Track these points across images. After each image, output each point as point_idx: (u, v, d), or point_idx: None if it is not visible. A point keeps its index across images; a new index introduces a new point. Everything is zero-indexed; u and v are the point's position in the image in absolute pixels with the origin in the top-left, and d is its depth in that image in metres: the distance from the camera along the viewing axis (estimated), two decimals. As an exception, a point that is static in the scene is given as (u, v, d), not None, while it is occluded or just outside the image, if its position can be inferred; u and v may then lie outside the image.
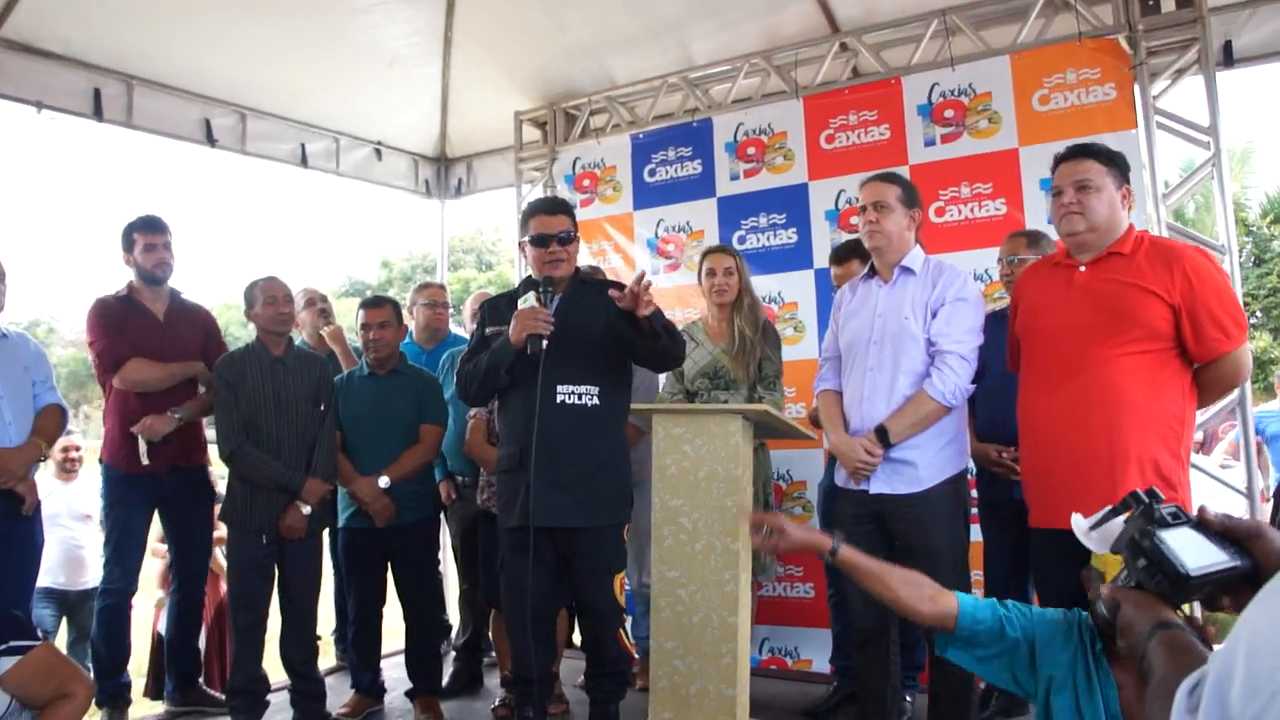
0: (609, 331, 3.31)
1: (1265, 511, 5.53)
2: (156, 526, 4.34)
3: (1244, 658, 0.68)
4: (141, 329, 4.10)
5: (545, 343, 3.23)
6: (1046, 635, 2.03)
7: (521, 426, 3.31)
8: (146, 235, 4.15)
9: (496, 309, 3.53)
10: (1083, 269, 2.95)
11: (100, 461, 4.17)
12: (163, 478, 4.10)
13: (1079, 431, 2.87)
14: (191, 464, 4.25)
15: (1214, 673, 0.71)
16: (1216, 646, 0.85)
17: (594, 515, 3.31)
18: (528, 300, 3.33)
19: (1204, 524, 1.10)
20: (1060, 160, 3.01)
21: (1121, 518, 1.19)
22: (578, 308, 3.39)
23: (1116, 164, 2.95)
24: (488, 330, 3.49)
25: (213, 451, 4.38)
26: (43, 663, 2.90)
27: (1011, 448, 3.40)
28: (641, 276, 3.12)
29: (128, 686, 4.09)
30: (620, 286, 3.50)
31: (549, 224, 3.41)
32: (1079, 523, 1.23)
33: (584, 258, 5.13)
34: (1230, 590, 1.06)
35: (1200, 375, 2.89)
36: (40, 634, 3.01)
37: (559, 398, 3.28)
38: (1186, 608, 1.11)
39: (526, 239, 3.46)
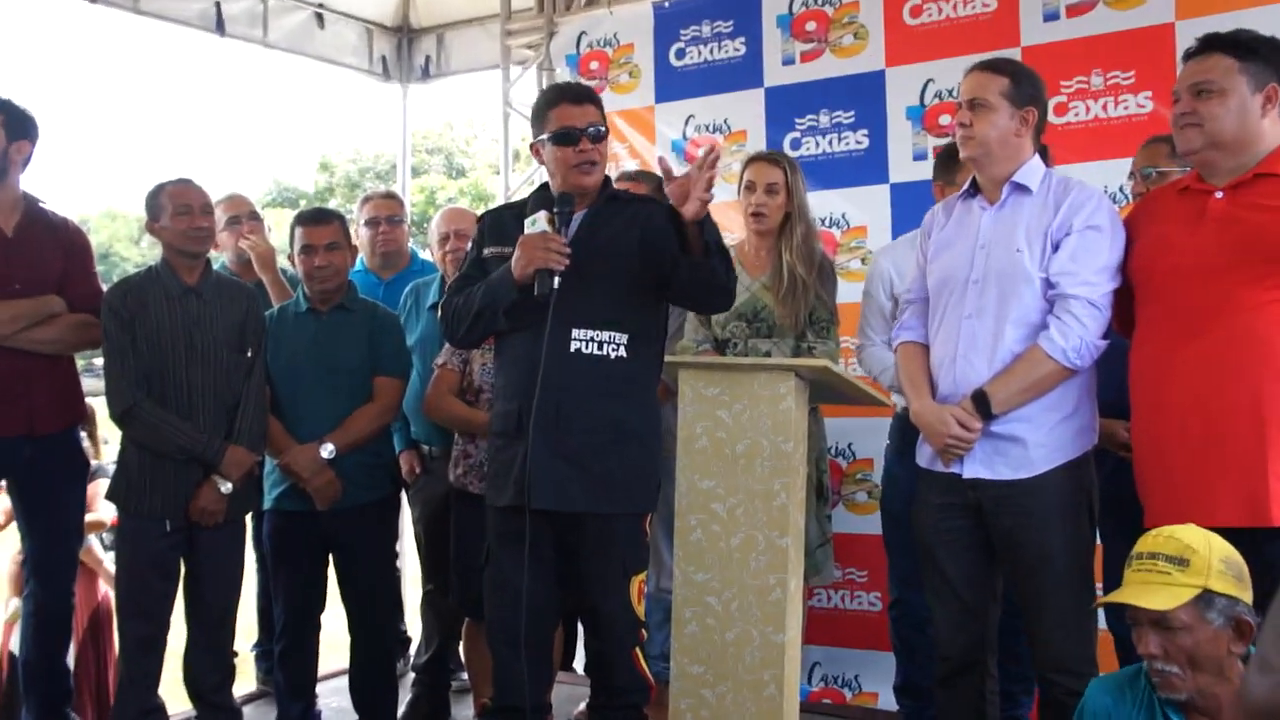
0: (644, 259, 3.27)
1: None
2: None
3: None
4: None
5: (558, 280, 3.19)
6: None
7: (522, 379, 3.29)
8: None
9: (500, 225, 3.52)
10: (1219, 195, 2.95)
11: None
12: (19, 443, 3.94)
13: (1214, 399, 2.88)
14: (58, 426, 4.09)
15: None
16: None
17: (609, 499, 3.30)
18: (536, 223, 3.29)
19: None
20: (1187, 56, 3.02)
21: None
22: (606, 228, 3.37)
23: (1261, 56, 2.90)
24: (486, 251, 3.48)
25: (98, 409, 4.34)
26: None
27: None
28: (711, 150, 3.10)
29: None
30: (655, 203, 3.45)
31: (575, 115, 3.35)
32: None
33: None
34: None
35: None
36: None
37: (573, 345, 3.26)
38: None
39: (545, 137, 3.40)
